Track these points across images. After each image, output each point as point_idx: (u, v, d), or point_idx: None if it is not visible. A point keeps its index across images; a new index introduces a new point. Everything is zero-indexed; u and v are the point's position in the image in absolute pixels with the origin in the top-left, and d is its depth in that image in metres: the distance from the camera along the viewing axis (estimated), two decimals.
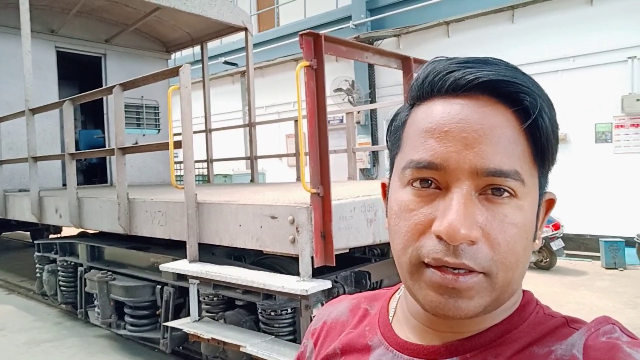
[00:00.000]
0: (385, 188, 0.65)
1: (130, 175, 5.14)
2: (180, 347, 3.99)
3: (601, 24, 7.61)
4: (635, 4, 7.32)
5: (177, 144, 3.19)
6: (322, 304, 3.21)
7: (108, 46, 7.32)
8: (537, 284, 6.01)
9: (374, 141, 10.42)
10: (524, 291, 0.60)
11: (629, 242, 6.71)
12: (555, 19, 8.02)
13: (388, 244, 3.68)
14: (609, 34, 7.53)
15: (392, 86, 9.67)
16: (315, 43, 2.62)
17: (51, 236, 7.82)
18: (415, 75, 0.59)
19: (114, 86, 3.65)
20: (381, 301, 0.71)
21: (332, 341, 0.70)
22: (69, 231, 7.21)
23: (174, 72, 3.18)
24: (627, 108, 7.40)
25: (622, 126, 7.60)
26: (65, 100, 4.28)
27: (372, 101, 10.28)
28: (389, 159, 0.63)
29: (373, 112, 10.35)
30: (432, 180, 0.53)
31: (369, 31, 10.22)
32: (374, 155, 10.38)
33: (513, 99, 0.52)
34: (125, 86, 3.64)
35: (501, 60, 0.55)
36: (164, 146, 3.38)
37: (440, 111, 0.53)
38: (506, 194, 0.51)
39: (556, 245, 6.62)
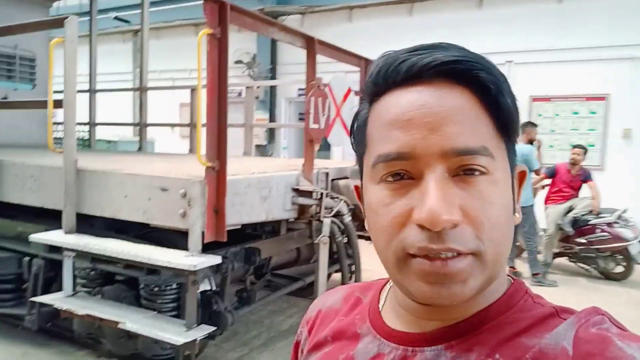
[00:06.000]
0: (359, 191, 0.65)
1: None
2: (50, 324, 3.69)
3: None
4: None
5: (58, 104, 2.89)
6: (209, 280, 3.16)
7: None
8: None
9: (272, 118, 10.35)
10: (514, 280, 0.60)
11: None
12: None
13: (279, 221, 3.72)
14: None
15: (294, 64, 9.63)
16: (221, 11, 2.52)
17: None
18: (369, 70, 0.58)
19: None
20: (374, 290, 0.71)
21: (325, 328, 0.70)
22: None
23: (59, 22, 2.85)
24: None
25: None
26: None
27: (273, 77, 10.17)
28: (357, 161, 0.62)
29: (273, 89, 10.24)
30: (403, 172, 0.52)
31: (273, 5, 10.05)
32: (271, 133, 10.33)
33: (469, 77, 0.52)
34: None
35: (451, 44, 0.54)
36: (42, 104, 3.03)
37: (399, 101, 0.53)
38: (478, 172, 0.51)
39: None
